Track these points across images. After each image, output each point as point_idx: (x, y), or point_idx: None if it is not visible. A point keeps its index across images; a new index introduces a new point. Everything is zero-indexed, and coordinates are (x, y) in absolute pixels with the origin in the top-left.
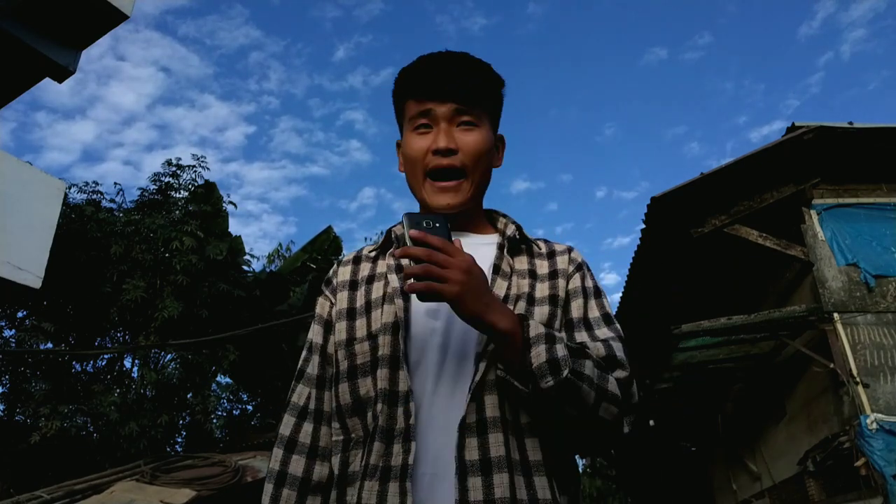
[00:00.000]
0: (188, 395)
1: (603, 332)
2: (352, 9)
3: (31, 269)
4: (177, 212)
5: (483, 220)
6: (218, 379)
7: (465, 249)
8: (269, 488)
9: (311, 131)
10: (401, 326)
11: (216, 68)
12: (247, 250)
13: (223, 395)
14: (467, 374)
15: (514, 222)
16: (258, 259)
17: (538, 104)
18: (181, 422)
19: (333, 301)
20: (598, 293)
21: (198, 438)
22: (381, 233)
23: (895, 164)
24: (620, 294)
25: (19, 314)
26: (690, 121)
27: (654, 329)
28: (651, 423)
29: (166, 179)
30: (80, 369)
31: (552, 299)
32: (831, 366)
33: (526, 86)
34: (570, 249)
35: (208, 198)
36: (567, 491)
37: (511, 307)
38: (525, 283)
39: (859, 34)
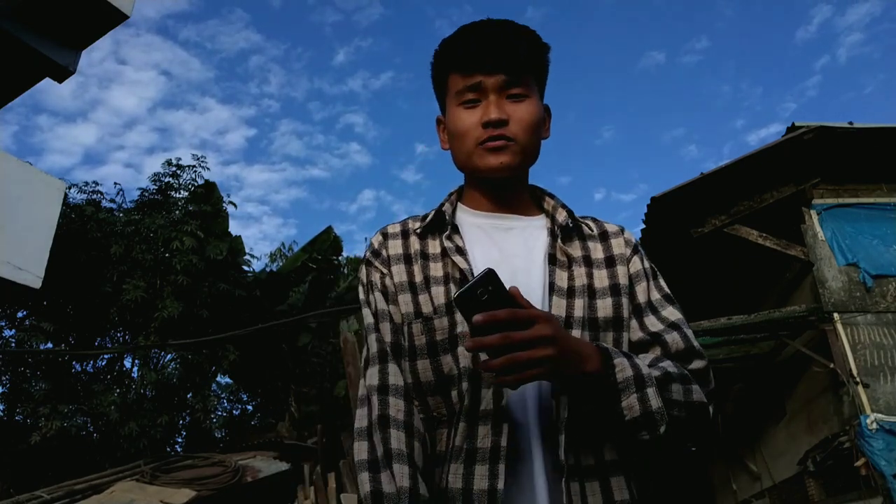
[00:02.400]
0: (188, 395)
1: (670, 312)
2: (352, 13)
3: (31, 269)
4: (177, 212)
5: (529, 198)
6: (218, 379)
7: (516, 235)
8: (364, 477)
9: (312, 134)
10: None
11: (217, 72)
12: (247, 251)
13: (223, 395)
14: None
15: (563, 206)
16: (258, 259)
17: None
18: (181, 422)
19: (386, 271)
20: (655, 273)
21: (198, 438)
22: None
23: (895, 164)
24: None
25: (19, 314)
26: (688, 124)
27: None
28: None
29: (166, 179)
30: (80, 369)
31: (614, 289)
32: (831, 366)
33: None
34: (622, 230)
35: (208, 198)
36: (645, 489)
37: (574, 300)
38: (583, 273)
39: (856, 38)
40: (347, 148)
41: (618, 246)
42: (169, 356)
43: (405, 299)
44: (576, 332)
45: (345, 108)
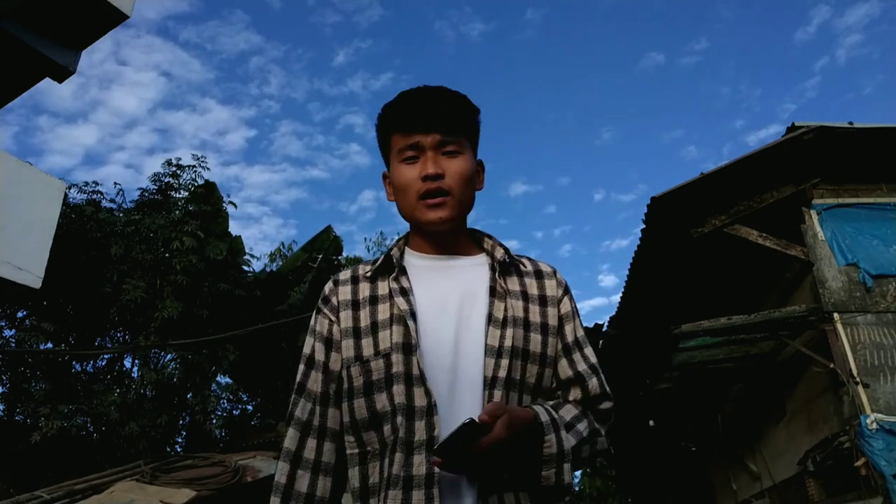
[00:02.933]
0: (188, 395)
1: (589, 353)
2: (351, 14)
3: (31, 269)
4: (177, 212)
5: (469, 241)
6: (218, 379)
7: (459, 272)
8: (275, 501)
9: (312, 135)
10: (414, 346)
11: (217, 73)
12: (247, 251)
13: (223, 395)
14: (477, 392)
15: (500, 244)
16: (258, 259)
17: (536, 108)
18: (181, 422)
19: (334, 319)
20: (577, 312)
21: (198, 438)
22: (379, 243)
23: (895, 164)
24: (620, 295)
25: (19, 314)
26: (688, 124)
27: (654, 329)
28: (651, 423)
29: (166, 179)
30: (80, 369)
31: (544, 328)
32: (831, 366)
33: (524, 90)
34: (555, 272)
35: (208, 198)
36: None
37: (506, 329)
38: (520, 306)
39: (855, 39)
40: (347, 148)
41: (551, 287)
42: (169, 356)
43: (348, 344)
44: (505, 361)
45: (345, 109)
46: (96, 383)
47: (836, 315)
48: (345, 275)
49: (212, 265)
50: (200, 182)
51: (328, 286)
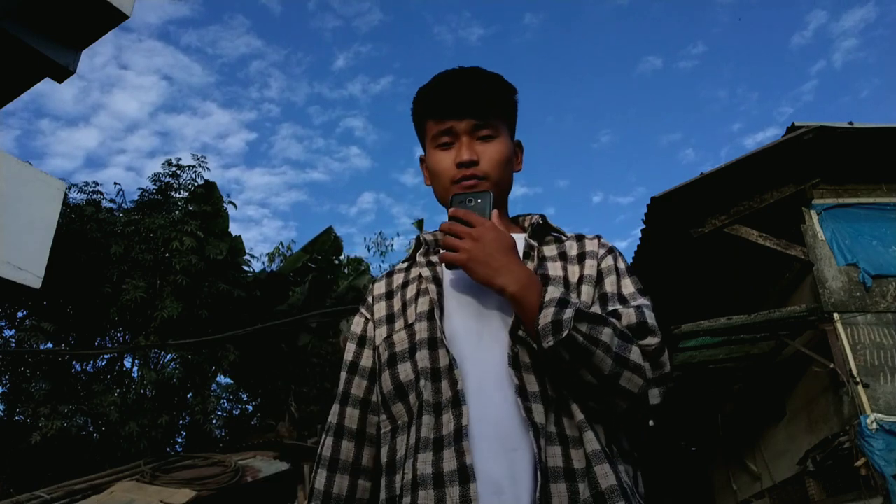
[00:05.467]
0: (188, 395)
1: (637, 300)
2: (351, 19)
3: (31, 269)
4: (177, 212)
5: (510, 224)
6: (218, 379)
7: None
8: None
9: (312, 138)
10: (436, 310)
11: (218, 77)
12: (247, 251)
13: (223, 395)
14: (502, 343)
15: (538, 214)
16: (258, 259)
17: (535, 112)
18: (181, 422)
19: (369, 316)
20: (630, 272)
21: (198, 438)
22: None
23: (895, 164)
24: None
25: (19, 314)
26: (685, 128)
27: None
28: (651, 423)
29: (166, 179)
30: (80, 369)
31: (587, 279)
32: (831, 366)
33: (523, 94)
34: (599, 237)
35: (208, 198)
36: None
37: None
38: (558, 266)
39: (851, 43)
40: (347, 151)
41: (592, 245)
42: (169, 356)
43: (381, 332)
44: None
45: (345, 113)
46: (96, 383)
47: (836, 315)
48: (382, 275)
49: (212, 265)
50: (200, 182)
51: (368, 287)
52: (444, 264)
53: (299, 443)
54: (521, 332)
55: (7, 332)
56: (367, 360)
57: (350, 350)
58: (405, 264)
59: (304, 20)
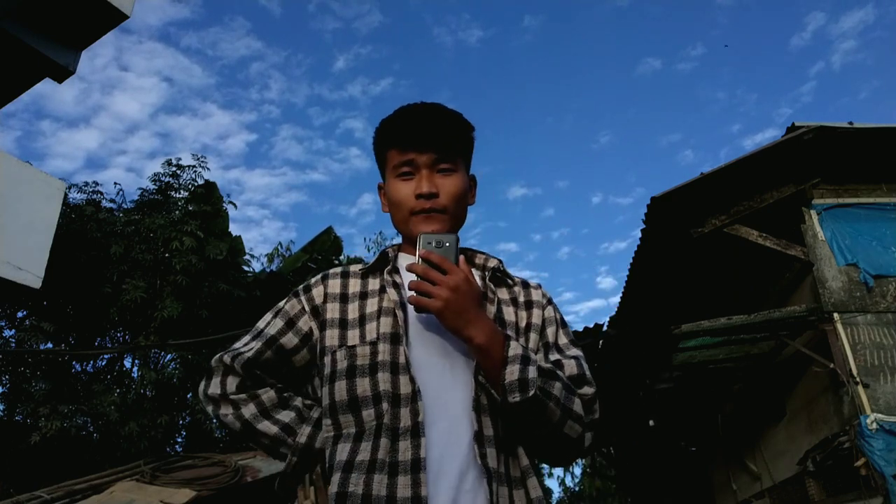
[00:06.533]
0: (188, 395)
1: (573, 352)
2: (351, 21)
3: (31, 269)
4: (177, 212)
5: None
6: None
7: None
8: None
9: (312, 139)
10: (402, 336)
11: (218, 78)
12: (247, 251)
13: None
14: (464, 385)
15: (494, 257)
16: (258, 259)
17: (534, 113)
18: (181, 422)
19: (310, 309)
20: (564, 324)
21: (198, 438)
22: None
23: (895, 164)
24: (620, 295)
25: (19, 314)
26: (685, 129)
27: (654, 329)
28: (651, 423)
29: (166, 179)
30: (80, 369)
31: (533, 327)
32: (831, 366)
33: (522, 95)
34: (540, 286)
35: (208, 198)
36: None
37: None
38: (511, 311)
39: (850, 45)
40: (347, 152)
41: (537, 295)
42: (169, 356)
43: (332, 333)
44: None
45: (344, 114)
46: (96, 383)
47: (836, 315)
48: (335, 271)
49: (212, 265)
50: (200, 182)
51: (315, 279)
52: (412, 309)
53: None
54: (481, 378)
55: (7, 332)
56: (288, 342)
57: (274, 325)
58: (360, 271)
59: (304, 22)
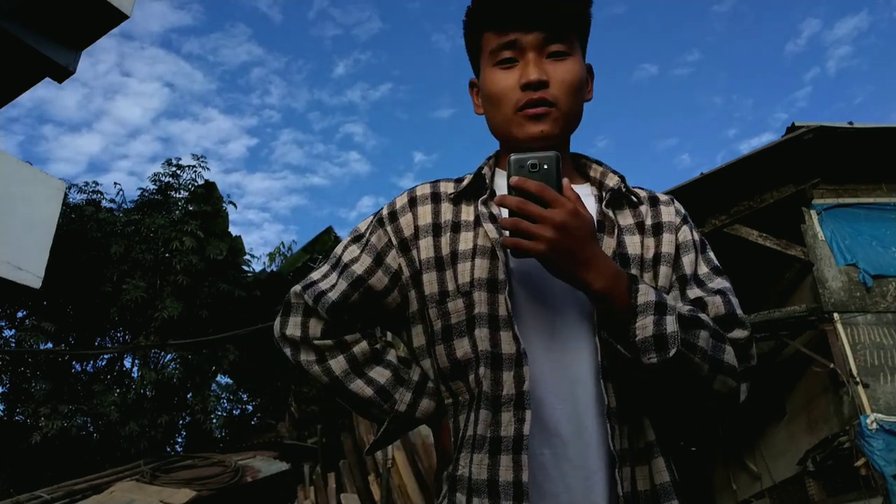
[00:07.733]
0: (188, 395)
1: (717, 282)
2: (351, 27)
3: (31, 269)
4: (177, 212)
5: (572, 167)
6: (218, 379)
7: None
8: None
9: (312, 143)
10: (503, 283)
11: (219, 83)
12: (247, 251)
13: (223, 395)
14: (580, 339)
15: (614, 172)
16: (258, 259)
17: None
18: (181, 422)
19: (398, 242)
20: (704, 246)
21: (198, 438)
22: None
23: (895, 164)
24: None
25: (19, 314)
26: (681, 133)
27: None
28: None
29: (166, 179)
30: (80, 369)
31: (665, 258)
32: (831, 366)
33: None
34: (672, 199)
35: (208, 198)
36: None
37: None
38: (636, 242)
39: (844, 51)
40: (347, 157)
41: (667, 214)
42: (169, 356)
43: (430, 278)
44: None
45: (344, 119)
46: (96, 383)
47: (836, 315)
48: (423, 189)
49: (212, 265)
50: (200, 182)
51: (400, 203)
52: (509, 251)
53: (299, 443)
54: (604, 335)
55: (7, 332)
56: (378, 282)
57: (361, 261)
58: (452, 192)
59: (305, 28)
